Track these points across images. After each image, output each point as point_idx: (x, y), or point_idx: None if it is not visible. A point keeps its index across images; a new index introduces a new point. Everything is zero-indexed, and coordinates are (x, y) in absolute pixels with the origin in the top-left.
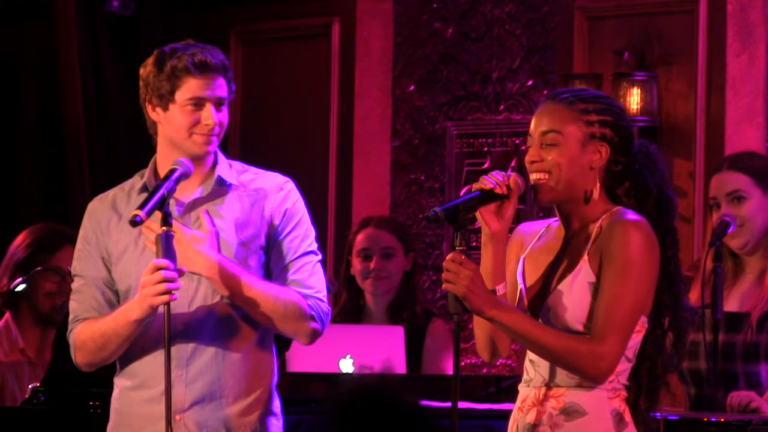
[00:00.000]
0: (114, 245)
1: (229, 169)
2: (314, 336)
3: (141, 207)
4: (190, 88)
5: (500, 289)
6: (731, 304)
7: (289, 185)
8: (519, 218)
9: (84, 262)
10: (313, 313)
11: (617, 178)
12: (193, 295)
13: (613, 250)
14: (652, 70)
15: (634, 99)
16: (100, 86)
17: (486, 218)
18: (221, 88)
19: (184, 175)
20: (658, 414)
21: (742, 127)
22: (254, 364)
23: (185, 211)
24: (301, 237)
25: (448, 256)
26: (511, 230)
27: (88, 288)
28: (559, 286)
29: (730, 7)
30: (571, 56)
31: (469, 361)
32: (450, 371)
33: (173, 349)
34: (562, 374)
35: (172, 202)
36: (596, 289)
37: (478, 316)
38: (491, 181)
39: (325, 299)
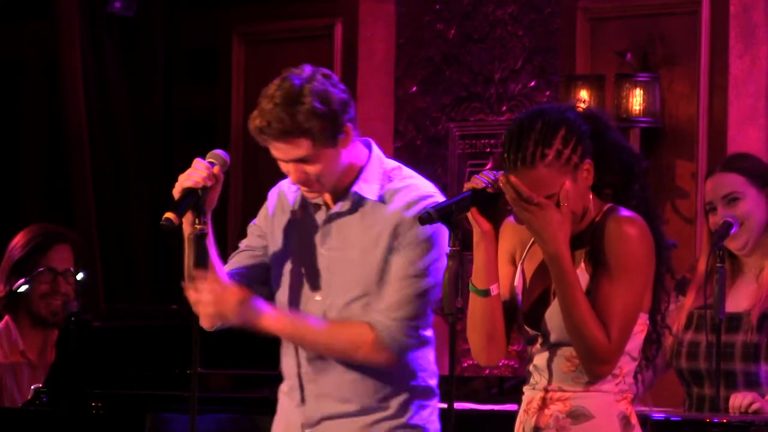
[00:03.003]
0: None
1: (371, 183)
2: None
3: (173, 208)
4: None
5: (494, 289)
6: (730, 304)
7: None
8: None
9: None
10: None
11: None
12: (326, 309)
13: (608, 247)
14: (655, 71)
15: (636, 100)
16: (102, 86)
17: (477, 218)
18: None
19: (223, 168)
20: (662, 415)
21: (745, 128)
22: (382, 379)
23: (323, 223)
24: None
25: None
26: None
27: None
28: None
29: (733, 8)
30: (574, 57)
31: (471, 362)
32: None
33: (306, 364)
34: (567, 378)
35: (317, 212)
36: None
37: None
38: (483, 180)
39: None
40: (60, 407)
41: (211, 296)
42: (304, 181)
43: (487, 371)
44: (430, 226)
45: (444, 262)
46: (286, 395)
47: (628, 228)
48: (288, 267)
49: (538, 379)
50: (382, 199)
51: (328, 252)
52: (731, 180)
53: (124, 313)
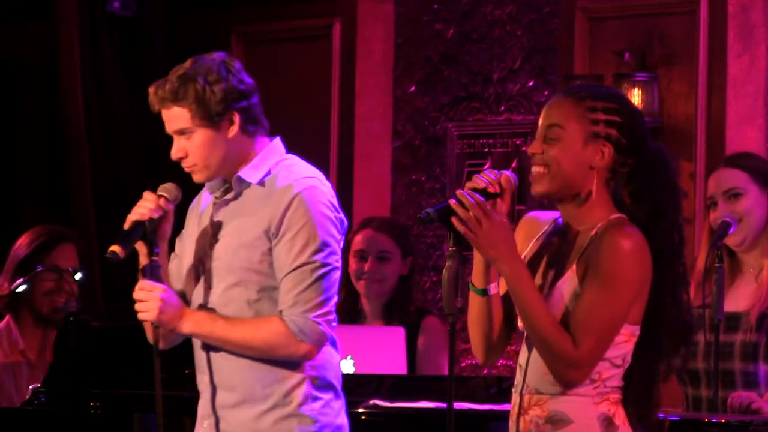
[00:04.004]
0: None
1: (256, 169)
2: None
3: (119, 241)
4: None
5: (492, 289)
6: (729, 303)
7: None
8: (517, 219)
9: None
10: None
11: (624, 180)
12: (211, 296)
13: (599, 256)
14: (653, 71)
15: (635, 100)
16: (101, 86)
17: None
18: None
19: (173, 202)
20: (661, 414)
21: (743, 128)
22: (268, 367)
23: (216, 213)
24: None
25: None
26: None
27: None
28: (545, 292)
29: (731, 7)
30: (572, 57)
31: (470, 361)
32: (446, 368)
33: (202, 356)
34: (545, 381)
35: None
36: (575, 296)
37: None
38: (483, 180)
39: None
40: (59, 407)
41: (141, 295)
42: (183, 158)
43: (485, 371)
44: (311, 209)
45: (334, 237)
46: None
47: (623, 241)
48: (191, 262)
49: (519, 380)
50: (262, 183)
51: (217, 240)
52: (734, 176)
53: (123, 313)
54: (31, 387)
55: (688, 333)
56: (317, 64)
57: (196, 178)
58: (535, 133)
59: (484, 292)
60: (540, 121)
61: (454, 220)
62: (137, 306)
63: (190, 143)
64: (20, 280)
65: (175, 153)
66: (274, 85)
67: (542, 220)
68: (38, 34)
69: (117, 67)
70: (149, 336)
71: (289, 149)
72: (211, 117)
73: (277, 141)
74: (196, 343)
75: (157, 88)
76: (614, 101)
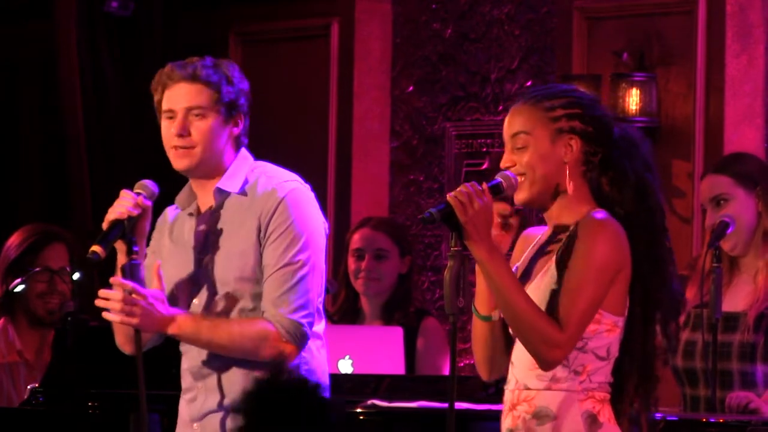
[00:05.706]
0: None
1: (233, 178)
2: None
3: (99, 241)
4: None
5: (495, 315)
6: (727, 303)
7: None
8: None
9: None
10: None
11: (599, 168)
12: (217, 313)
13: (578, 246)
14: (651, 71)
15: (633, 100)
16: (99, 86)
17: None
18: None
19: (150, 198)
20: (658, 415)
21: (741, 127)
22: (260, 374)
23: (197, 228)
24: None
25: None
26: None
27: None
28: (527, 289)
29: (729, 7)
30: (570, 57)
31: (468, 361)
32: (445, 369)
33: (198, 364)
34: (532, 377)
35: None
36: (554, 294)
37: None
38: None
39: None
40: (57, 407)
41: (121, 303)
42: (184, 135)
43: None
44: (296, 210)
45: (316, 238)
46: (183, 394)
47: (598, 229)
48: (173, 280)
49: (510, 377)
50: (243, 192)
51: (201, 255)
52: (719, 182)
53: None
54: (29, 387)
55: (679, 304)
56: (315, 63)
57: (182, 162)
58: (504, 147)
59: (489, 319)
60: (504, 134)
61: (449, 196)
62: (117, 307)
63: (201, 123)
64: (18, 280)
65: (179, 128)
66: (272, 84)
67: (534, 234)
68: (37, 34)
69: (115, 66)
70: (118, 338)
71: (287, 149)
72: (228, 108)
73: (245, 151)
74: (191, 348)
75: (184, 65)
76: (570, 95)
